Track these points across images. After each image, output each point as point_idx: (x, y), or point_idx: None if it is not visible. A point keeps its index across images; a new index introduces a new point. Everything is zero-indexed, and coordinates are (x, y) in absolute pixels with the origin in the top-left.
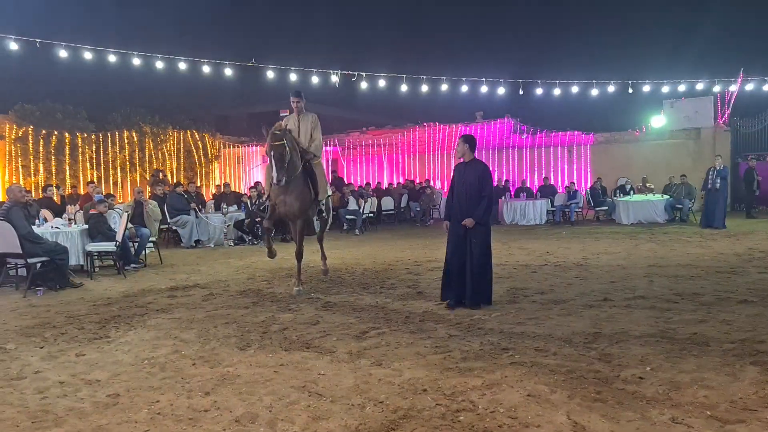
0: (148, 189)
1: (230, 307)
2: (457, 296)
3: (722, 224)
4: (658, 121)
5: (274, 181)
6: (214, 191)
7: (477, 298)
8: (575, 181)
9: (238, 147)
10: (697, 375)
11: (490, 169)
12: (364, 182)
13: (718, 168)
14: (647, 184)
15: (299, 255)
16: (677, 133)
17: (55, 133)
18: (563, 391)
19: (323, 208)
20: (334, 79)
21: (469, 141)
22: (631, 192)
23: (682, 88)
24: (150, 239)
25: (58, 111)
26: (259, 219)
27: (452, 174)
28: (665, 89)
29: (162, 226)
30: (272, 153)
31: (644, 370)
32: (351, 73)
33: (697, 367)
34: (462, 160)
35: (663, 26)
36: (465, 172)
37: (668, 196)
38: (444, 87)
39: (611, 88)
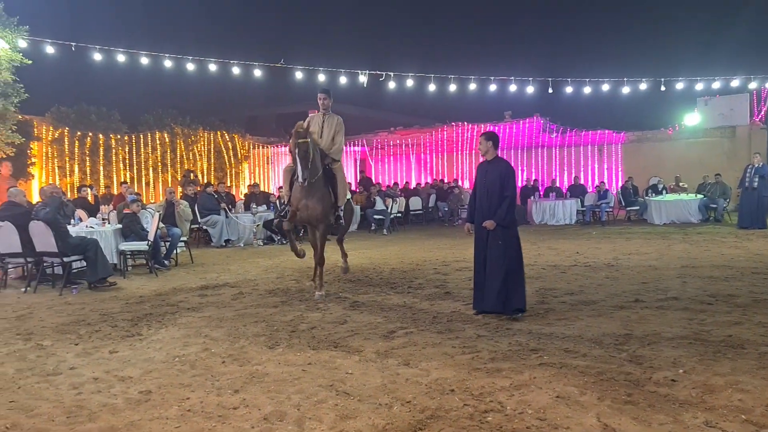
0: (179, 189)
1: (259, 306)
2: (486, 305)
3: (762, 224)
4: (691, 119)
5: (300, 179)
6: (245, 191)
7: (509, 305)
8: (606, 181)
9: (267, 147)
10: (732, 378)
11: (517, 168)
12: (392, 182)
13: (756, 165)
14: (680, 184)
15: (321, 261)
16: (711, 132)
17: (90, 134)
18: (593, 393)
19: (341, 214)
20: (362, 79)
21: (492, 138)
22: (664, 191)
23: (716, 85)
24: (181, 239)
25: (92, 113)
26: (276, 221)
27: (475, 174)
28: (699, 86)
29: (193, 226)
30: (297, 150)
31: (677, 372)
32: (379, 73)
33: (731, 370)
34: (485, 159)
35: (697, 22)
36: (488, 171)
37: (702, 196)
38: (472, 86)
39: (643, 86)
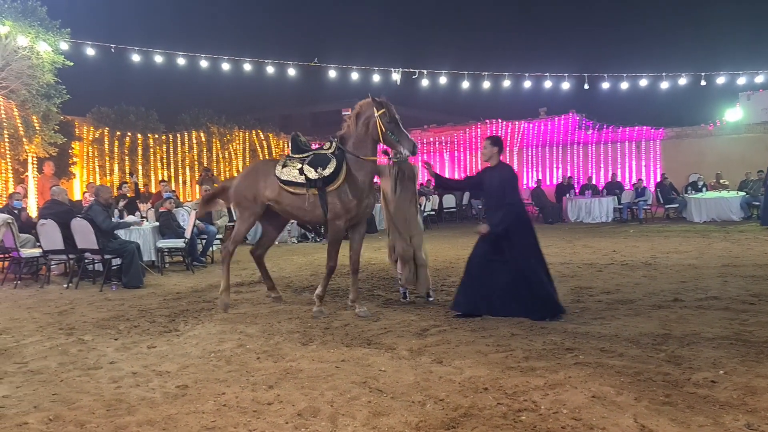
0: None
1: (293, 303)
2: (473, 306)
3: None
4: (733, 114)
5: (409, 151)
6: None
7: (539, 314)
8: (644, 178)
9: None
10: None
11: (552, 165)
12: (426, 180)
13: None
14: (721, 181)
15: (358, 266)
16: (754, 127)
17: (129, 134)
18: (630, 393)
19: None
20: (395, 77)
21: (498, 143)
22: (704, 189)
23: (759, 79)
24: (217, 237)
25: (131, 113)
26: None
27: (477, 175)
28: (741, 81)
29: (229, 224)
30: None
31: (717, 373)
32: (412, 70)
33: None
34: (489, 164)
35: (739, 15)
36: (491, 177)
37: (744, 193)
38: (506, 83)
39: (682, 81)
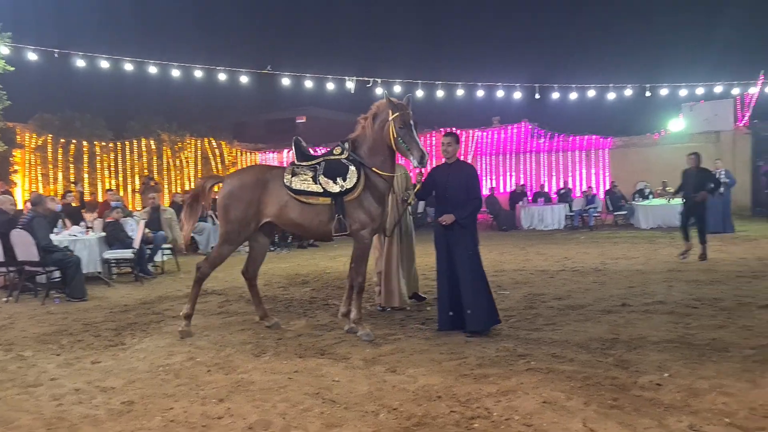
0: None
1: (246, 314)
2: (452, 321)
3: (731, 228)
4: (677, 124)
5: (417, 161)
6: None
7: (477, 321)
8: (593, 186)
9: (255, 153)
10: (716, 381)
11: (506, 173)
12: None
13: (721, 172)
14: (667, 188)
15: (364, 283)
16: (697, 137)
17: (74, 141)
18: (579, 398)
19: None
20: (350, 85)
21: (458, 140)
22: (650, 196)
23: (700, 91)
24: (167, 246)
25: (77, 120)
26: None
27: (428, 176)
28: (683, 92)
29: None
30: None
31: (662, 376)
32: (366, 79)
33: (716, 373)
34: (445, 160)
35: (681, 29)
36: (450, 174)
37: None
38: (460, 92)
39: (628, 92)
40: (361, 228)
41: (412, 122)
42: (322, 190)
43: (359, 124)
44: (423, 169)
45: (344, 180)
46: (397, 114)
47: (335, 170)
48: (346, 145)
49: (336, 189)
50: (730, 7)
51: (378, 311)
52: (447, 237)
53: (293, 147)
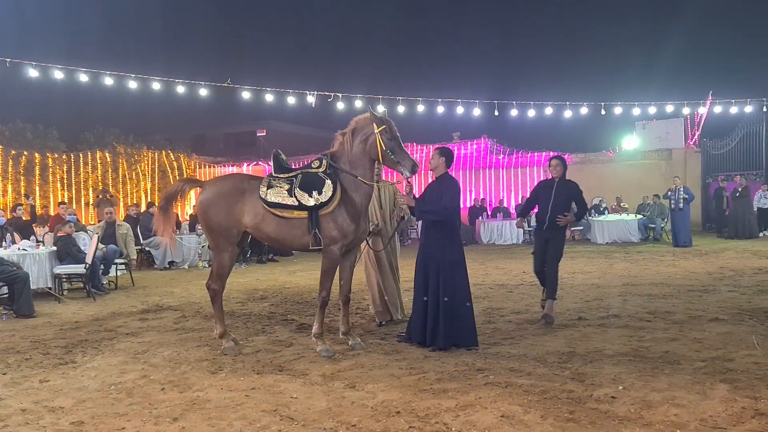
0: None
1: (203, 330)
2: (421, 334)
3: (690, 242)
4: (630, 142)
5: (409, 171)
6: (191, 212)
7: (453, 338)
8: None
9: (214, 167)
10: (669, 393)
11: (466, 189)
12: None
13: (678, 188)
14: (621, 204)
15: (350, 295)
16: (649, 154)
17: (25, 153)
18: (537, 412)
19: None
20: (310, 99)
21: (446, 154)
22: (606, 212)
23: (653, 110)
24: (123, 260)
25: (28, 131)
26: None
27: (423, 193)
28: (636, 111)
29: (135, 248)
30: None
31: (617, 389)
32: (327, 93)
33: (668, 385)
34: (433, 176)
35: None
36: (433, 187)
37: (642, 216)
38: (420, 108)
39: (584, 110)
40: (331, 243)
41: (398, 134)
42: (297, 203)
43: (337, 140)
44: (410, 180)
45: (319, 194)
46: (384, 126)
47: (311, 184)
48: (325, 159)
49: (311, 202)
50: (678, 30)
51: (376, 327)
52: (426, 249)
53: (272, 159)
